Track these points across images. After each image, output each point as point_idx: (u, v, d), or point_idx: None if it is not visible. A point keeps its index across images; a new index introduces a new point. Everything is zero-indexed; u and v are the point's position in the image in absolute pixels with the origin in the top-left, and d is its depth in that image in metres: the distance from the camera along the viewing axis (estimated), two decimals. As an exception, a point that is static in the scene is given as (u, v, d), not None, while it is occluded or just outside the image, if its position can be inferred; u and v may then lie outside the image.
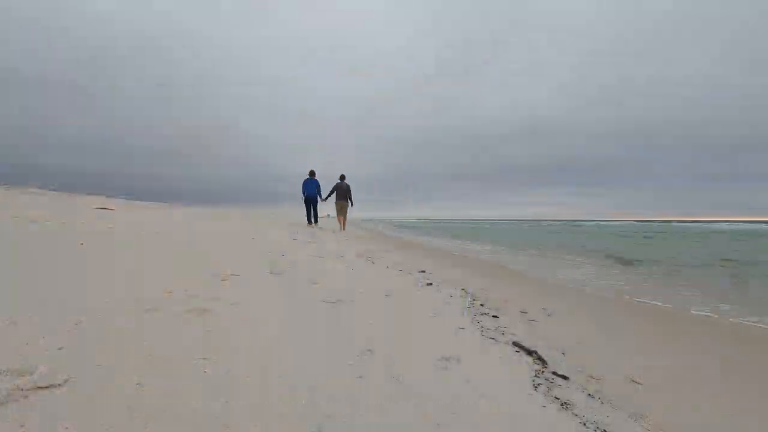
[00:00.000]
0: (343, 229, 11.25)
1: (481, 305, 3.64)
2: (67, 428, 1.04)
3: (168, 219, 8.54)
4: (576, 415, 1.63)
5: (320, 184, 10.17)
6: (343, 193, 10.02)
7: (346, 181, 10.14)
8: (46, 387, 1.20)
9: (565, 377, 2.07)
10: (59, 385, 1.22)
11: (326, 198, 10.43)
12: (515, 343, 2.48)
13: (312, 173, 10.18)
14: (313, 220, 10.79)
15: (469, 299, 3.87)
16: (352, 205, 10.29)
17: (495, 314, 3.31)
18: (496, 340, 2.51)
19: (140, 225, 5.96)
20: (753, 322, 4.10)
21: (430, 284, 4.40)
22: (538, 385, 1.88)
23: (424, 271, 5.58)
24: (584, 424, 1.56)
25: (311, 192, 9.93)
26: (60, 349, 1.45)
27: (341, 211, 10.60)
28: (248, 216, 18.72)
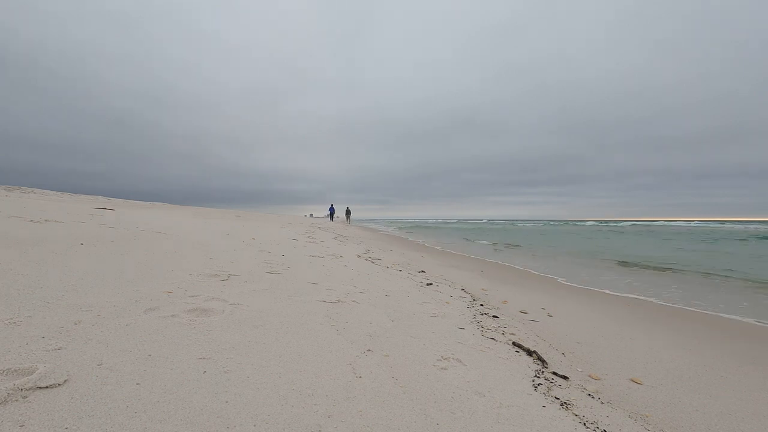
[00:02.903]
0: (348, 223, 29.23)
1: (481, 305, 3.64)
2: (67, 428, 1.04)
3: (167, 219, 8.54)
4: (576, 415, 1.64)
5: (334, 208, 30.61)
6: (347, 212, 30.31)
7: (349, 206, 31.14)
8: (46, 387, 1.20)
9: (565, 377, 2.07)
10: (59, 385, 1.22)
11: (347, 215, 30.94)
12: (515, 343, 2.48)
13: (332, 205, 30.47)
14: (330, 220, 29.32)
15: (469, 299, 3.87)
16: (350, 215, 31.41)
17: (495, 314, 3.31)
18: (496, 340, 2.51)
19: (140, 225, 5.96)
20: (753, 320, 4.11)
21: (430, 284, 4.40)
22: (539, 385, 1.88)
23: (423, 271, 5.59)
24: (584, 424, 1.56)
25: (332, 210, 30.28)
26: (60, 349, 1.45)
27: (348, 218, 30.69)
28: (249, 216, 18.73)
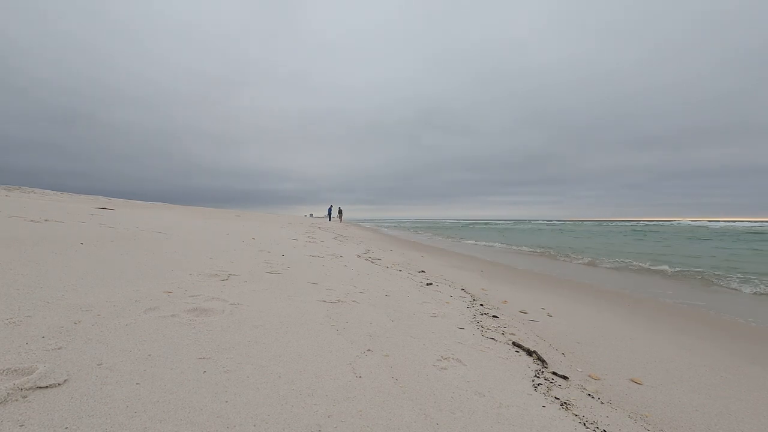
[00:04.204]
0: (341, 222, 31.46)
1: (481, 305, 3.64)
2: (67, 428, 1.04)
3: (167, 219, 8.54)
4: (576, 415, 1.64)
5: (332, 208, 31.91)
6: (339, 211, 32.00)
7: (341, 207, 33.22)
8: (46, 387, 1.20)
9: (565, 377, 2.07)
10: (59, 385, 1.22)
11: (339, 214, 32.37)
12: (515, 343, 2.48)
13: (330, 206, 32.05)
14: (329, 219, 30.95)
15: (469, 299, 3.87)
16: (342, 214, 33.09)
17: (495, 314, 3.31)
18: (496, 340, 2.51)
19: (140, 225, 5.96)
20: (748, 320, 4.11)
21: (430, 284, 4.40)
22: (538, 385, 1.88)
23: (423, 271, 5.59)
24: (584, 424, 1.56)
25: (330, 211, 31.68)
26: (60, 349, 1.45)
27: (340, 217, 32.27)
28: (248, 216, 18.73)
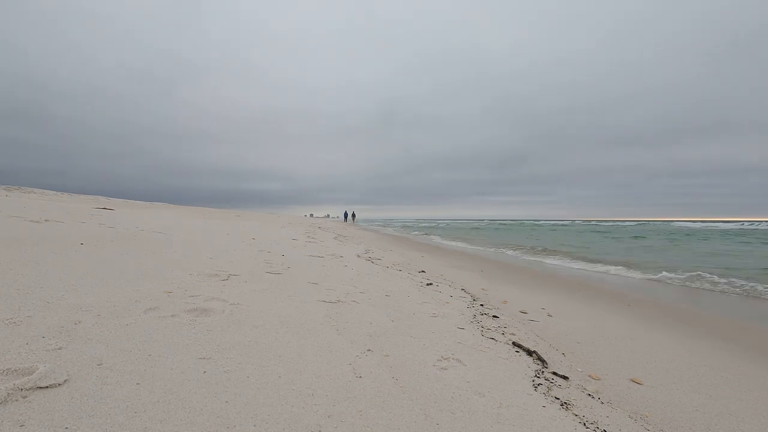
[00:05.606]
0: (354, 223, 35.66)
1: (481, 305, 3.64)
2: (67, 428, 1.04)
3: (167, 219, 8.54)
4: (576, 415, 1.64)
5: (348, 212, 39.42)
6: (353, 214, 38.64)
7: (354, 210, 39.96)
8: (46, 387, 1.20)
9: (565, 377, 2.07)
10: (59, 385, 1.22)
11: (353, 216, 39.27)
12: (515, 344, 2.48)
13: (346, 210, 40.36)
14: (345, 220, 38.28)
15: (469, 299, 3.87)
16: (355, 217, 40.01)
17: (495, 314, 3.31)
18: (496, 340, 2.51)
19: (140, 225, 5.96)
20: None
21: (430, 284, 4.40)
22: (538, 385, 1.88)
23: (423, 271, 5.58)
24: (584, 424, 1.56)
25: (346, 214, 39.11)
26: (60, 349, 1.45)
27: (353, 219, 38.59)
28: (248, 216, 18.72)
